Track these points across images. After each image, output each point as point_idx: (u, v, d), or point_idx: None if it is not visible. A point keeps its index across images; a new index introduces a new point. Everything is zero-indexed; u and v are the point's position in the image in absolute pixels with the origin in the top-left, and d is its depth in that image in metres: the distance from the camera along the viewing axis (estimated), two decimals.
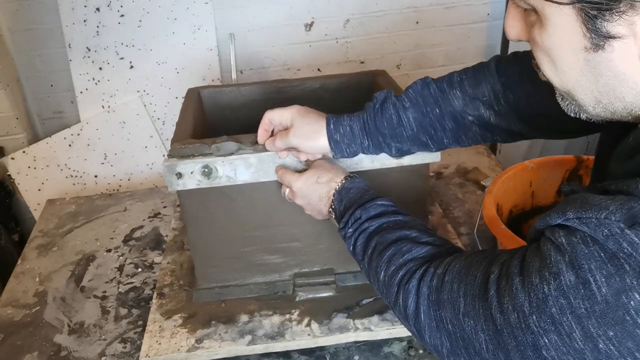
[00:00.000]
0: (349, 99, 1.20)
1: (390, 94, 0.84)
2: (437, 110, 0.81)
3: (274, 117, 0.87)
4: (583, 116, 0.55)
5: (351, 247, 0.74)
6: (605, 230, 0.43)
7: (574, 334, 0.44)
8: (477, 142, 0.83)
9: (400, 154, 0.87)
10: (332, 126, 0.83)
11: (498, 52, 2.07)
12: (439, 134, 0.82)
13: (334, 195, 0.80)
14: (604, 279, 0.43)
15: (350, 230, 0.74)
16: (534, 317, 0.46)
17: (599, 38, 0.46)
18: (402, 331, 0.94)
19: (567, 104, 0.56)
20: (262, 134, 0.88)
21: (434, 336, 0.58)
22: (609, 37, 0.46)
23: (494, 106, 0.78)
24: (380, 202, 0.74)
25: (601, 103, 0.51)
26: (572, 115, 0.56)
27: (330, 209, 0.80)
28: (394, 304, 0.64)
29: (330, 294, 1.01)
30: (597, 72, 0.49)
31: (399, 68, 2.04)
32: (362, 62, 2.01)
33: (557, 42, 0.49)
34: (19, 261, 1.24)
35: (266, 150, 0.90)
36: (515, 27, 0.55)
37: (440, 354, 0.58)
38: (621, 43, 0.46)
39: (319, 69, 1.99)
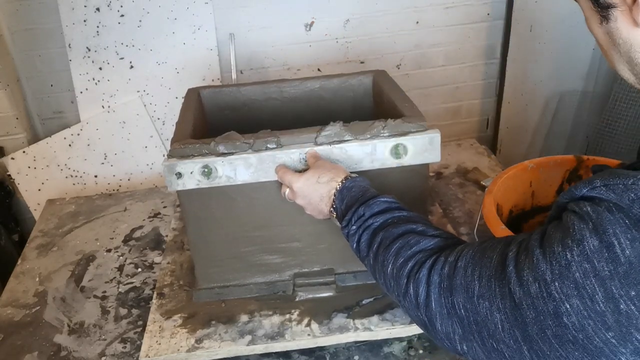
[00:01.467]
0: (349, 99, 1.20)
1: None
2: None
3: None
4: None
5: (355, 244, 0.74)
6: (632, 195, 0.45)
7: (596, 296, 0.45)
8: None
9: None
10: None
11: (498, 52, 2.07)
12: None
13: (335, 195, 0.80)
14: (628, 242, 0.44)
15: (354, 227, 0.74)
16: (556, 284, 0.47)
17: (602, 10, 0.52)
18: (402, 331, 0.94)
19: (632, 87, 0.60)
20: None
21: (446, 323, 0.58)
22: (609, 7, 0.51)
23: None
24: (383, 199, 0.74)
25: (633, 74, 0.54)
26: None
27: (332, 209, 0.80)
28: (404, 295, 0.64)
29: (330, 294, 1.01)
30: (615, 42, 0.53)
31: (399, 68, 2.04)
32: (362, 62, 2.01)
33: (590, 25, 0.55)
34: (19, 261, 1.24)
35: (266, 151, 0.90)
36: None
37: (452, 342, 0.58)
38: (619, 12, 0.51)
39: (319, 69, 1.99)
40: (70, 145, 1.89)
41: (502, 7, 1.99)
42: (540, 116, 2.02)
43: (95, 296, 1.12)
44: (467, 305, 0.55)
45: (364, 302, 0.99)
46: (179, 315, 0.99)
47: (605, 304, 0.44)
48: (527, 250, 0.51)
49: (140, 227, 1.34)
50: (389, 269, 0.66)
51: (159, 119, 1.93)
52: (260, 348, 0.93)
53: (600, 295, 0.45)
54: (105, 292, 1.13)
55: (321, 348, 0.97)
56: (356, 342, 0.97)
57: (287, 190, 0.87)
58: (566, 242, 0.47)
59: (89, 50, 1.81)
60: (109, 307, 1.09)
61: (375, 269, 0.70)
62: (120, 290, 1.14)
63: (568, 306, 0.46)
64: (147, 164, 1.94)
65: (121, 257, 1.23)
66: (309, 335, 0.94)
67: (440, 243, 0.65)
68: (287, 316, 0.97)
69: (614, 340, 0.44)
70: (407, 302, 0.64)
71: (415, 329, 0.94)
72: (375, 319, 0.95)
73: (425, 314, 0.61)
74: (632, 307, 0.43)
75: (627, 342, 0.44)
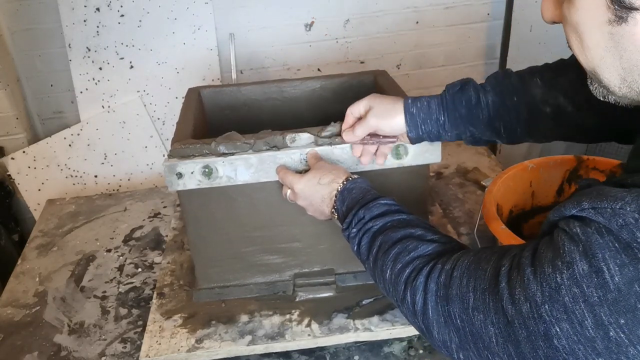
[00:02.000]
0: (349, 98, 1.19)
1: (471, 80, 0.85)
2: (516, 98, 0.81)
3: (353, 110, 0.88)
4: (611, 99, 0.55)
5: (355, 247, 0.74)
6: (620, 220, 0.44)
7: (585, 322, 0.44)
8: (547, 137, 0.84)
9: (473, 141, 0.86)
10: (409, 101, 0.84)
11: (498, 52, 2.06)
12: (513, 122, 0.82)
13: (336, 196, 0.80)
14: (617, 268, 0.43)
15: (354, 230, 0.74)
16: (546, 307, 0.47)
17: (622, 10, 0.47)
18: (402, 331, 0.94)
19: (595, 87, 0.56)
20: (344, 127, 0.90)
21: (442, 332, 0.58)
22: (633, 9, 0.46)
23: (572, 96, 0.78)
24: (383, 202, 0.74)
25: (626, 81, 0.51)
26: (601, 98, 0.57)
27: (333, 210, 0.80)
28: (402, 302, 0.64)
29: (331, 294, 1.01)
30: (620, 47, 0.49)
31: (399, 68, 2.04)
32: (362, 62, 2.01)
33: (583, 15, 0.50)
34: (19, 261, 1.24)
35: (267, 151, 0.90)
36: (549, 8, 0.56)
37: (449, 350, 0.58)
38: None
39: (319, 69, 1.99)
40: (70, 145, 1.89)
41: (502, 7, 1.99)
42: None
43: (95, 296, 1.12)
44: (462, 315, 0.55)
45: (364, 302, 0.99)
46: (179, 315, 0.99)
47: (595, 330, 0.44)
48: (519, 267, 0.51)
49: (140, 227, 1.34)
50: (388, 274, 0.66)
51: (159, 119, 1.93)
52: (260, 348, 0.93)
53: (589, 321, 0.44)
54: (105, 292, 1.13)
55: (321, 348, 0.97)
56: (356, 342, 0.97)
57: (289, 192, 0.87)
58: (556, 264, 0.47)
59: (89, 50, 1.81)
60: (109, 307, 1.09)
61: (375, 273, 0.70)
62: (120, 290, 1.14)
63: (558, 329, 0.46)
64: (147, 164, 1.94)
65: (121, 257, 1.23)
66: (309, 335, 0.94)
67: (439, 248, 0.65)
68: (287, 316, 0.97)
69: None
70: (404, 309, 0.64)
71: (414, 330, 0.94)
72: (375, 319, 0.95)
73: (422, 321, 0.61)
74: (622, 335, 0.43)
75: None
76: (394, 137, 0.87)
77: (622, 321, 0.43)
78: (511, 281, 0.50)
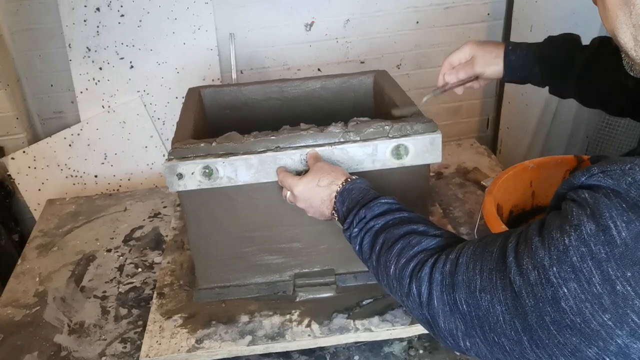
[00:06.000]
0: (349, 98, 1.20)
1: (574, 37, 0.93)
2: (609, 67, 0.84)
3: (452, 59, 0.97)
4: (636, 70, 0.57)
5: (357, 247, 0.74)
6: (629, 179, 0.45)
7: (593, 278, 0.45)
8: (622, 113, 0.90)
9: (557, 93, 0.95)
10: (509, 48, 0.95)
11: None
12: (593, 90, 0.89)
13: (335, 198, 0.80)
14: (624, 224, 0.44)
15: (356, 230, 0.74)
16: (554, 269, 0.47)
17: None
18: (402, 332, 0.94)
19: (624, 57, 0.58)
20: (441, 79, 1.00)
21: (448, 320, 0.59)
22: None
23: None
24: (383, 201, 0.74)
25: (634, 39, 0.53)
26: (630, 72, 0.59)
27: (333, 211, 0.80)
28: (407, 295, 0.64)
29: (331, 294, 1.01)
30: (630, 2, 0.52)
31: (399, 68, 2.04)
32: (362, 62, 2.01)
33: None
34: (19, 261, 1.24)
35: (268, 151, 0.90)
36: None
37: (455, 339, 0.59)
38: None
39: (319, 69, 1.99)
40: (70, 145, 1.89)
41: (502, 7, 1.99)
42: (540, 116, 2.02)
43: (95, 296, 1.12)
44: (469, 300, 0.56)
45: (364, 302, 0.99)
46: (179, 315, 0.99)
47: (601, 286, 0.45)
48: (526, 240, 0.52)
49: (140, 227, 1.34)
50: (392, 270, 0.66)
51: (159, 119, 1.93)
52: (260, 348, 0.93)
53: (597, 278, 0.45)
54: (105, 292, 1.13)
55: (321, 348, 0.97)
56: (356, 342, 0.97)
57: (288, 194, 0.87)
58: (564, 228, 0.48)
59: (89, 50, 1.81)
60: (109, 307, 1.09)
61: (378, 271, 0.70)
62: (120, 290, 1.14)
63: (565, 290, 0.46)
64: (147, 164, 1.94)
65: (121, 257, 1.23)
66: (309, 335, 0.94)
67: (442, 242, 0.66)
68: (288, 316, 0.97)
69: (610, 323, 0.45)
70: (410, 302, 0.64)
71: (415, 330, 0.94)
72: (375, 319, 0.95)
73: (428, 312, 0.61)
74: (628, 288, 0.44)
75: (624, 323, 0.44)
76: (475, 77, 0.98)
77: (629, 274, 0.44)
78: (519, 253, 0.51)
